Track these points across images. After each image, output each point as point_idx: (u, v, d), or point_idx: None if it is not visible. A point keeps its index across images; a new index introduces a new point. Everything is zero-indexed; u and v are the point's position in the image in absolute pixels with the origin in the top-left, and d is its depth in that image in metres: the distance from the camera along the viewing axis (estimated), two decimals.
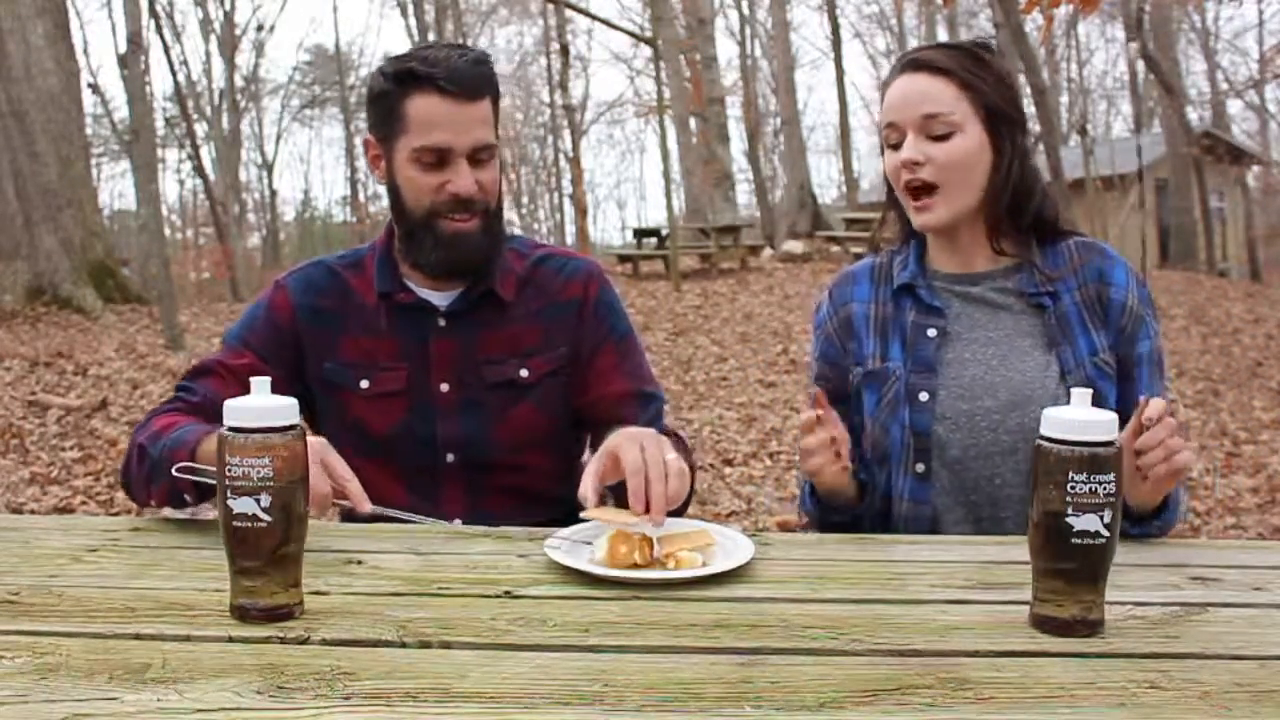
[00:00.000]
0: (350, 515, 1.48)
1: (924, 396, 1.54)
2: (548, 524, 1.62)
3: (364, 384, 1.63)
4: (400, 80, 1.56)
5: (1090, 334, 1.54)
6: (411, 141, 1.55)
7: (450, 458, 1.61)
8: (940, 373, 1.55)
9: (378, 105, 1.60)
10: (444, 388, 1.63)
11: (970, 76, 1.50)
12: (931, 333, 1.56)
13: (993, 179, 1.53)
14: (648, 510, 1.24)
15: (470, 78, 1.55)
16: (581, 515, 1.28)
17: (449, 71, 1.53)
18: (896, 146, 1.53)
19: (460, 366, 1.63)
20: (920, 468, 1.54)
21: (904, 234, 1.65)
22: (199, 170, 19.89)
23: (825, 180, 39.11)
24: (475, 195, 1.57)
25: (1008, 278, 1.57)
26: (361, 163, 28.13)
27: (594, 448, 1.65)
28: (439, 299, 1.65)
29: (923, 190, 1.52)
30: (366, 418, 1.63)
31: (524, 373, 1.64)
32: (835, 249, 14.77)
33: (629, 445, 1.29)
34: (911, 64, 1.53)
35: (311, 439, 1.36)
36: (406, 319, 1.64)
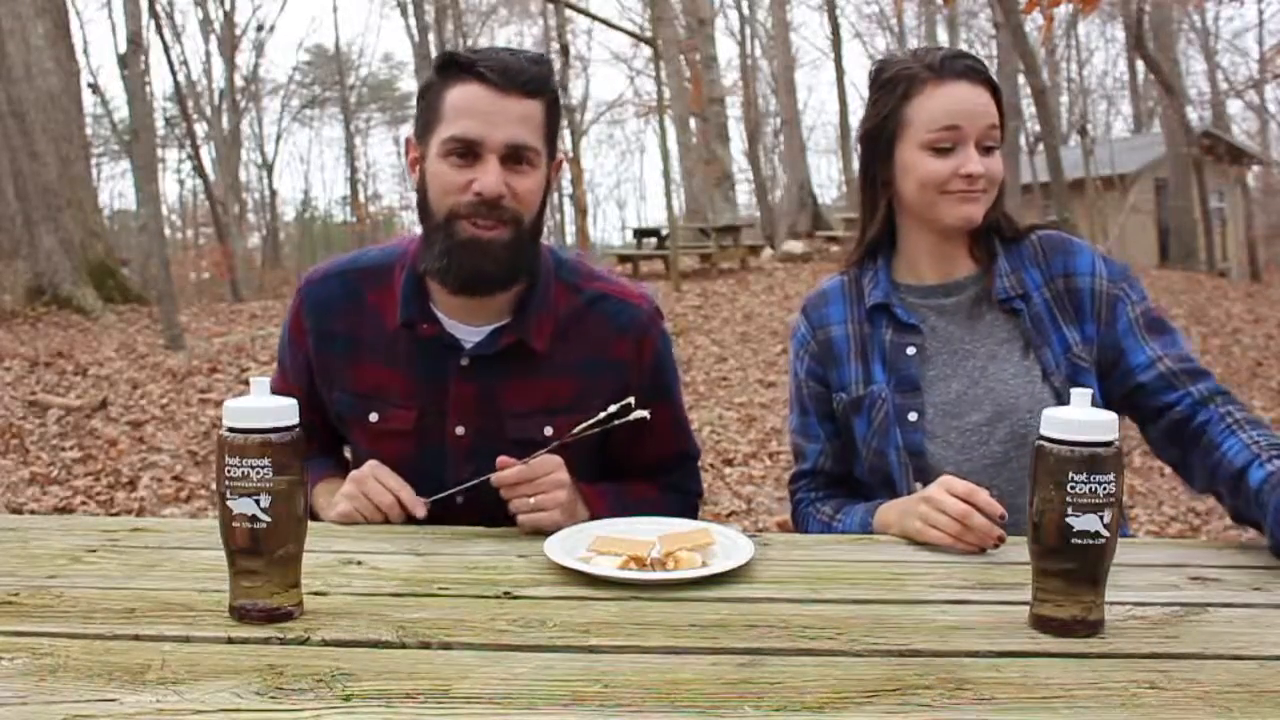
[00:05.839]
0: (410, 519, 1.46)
1: (913, 416, 1.54)
2: None
3: (373, 417, 1.53)
4: (443, 69, 1.45)
5: (1062, 330, 1.53)
6: (443, 132, 1.42)
7: (459, 500, 1.48)
8: (925, 390, 1.55)
9: (421, 103, 1.49)
10: (459, 430, 1.51)
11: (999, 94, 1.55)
12: (911, 350, 1.56)
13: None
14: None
15: (516, 70, 1.41)
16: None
17: (495, 62, 1.41)
18: (947, 150, 1.51)
19: (480, 414, 1.50)
20: (919, 486, 1.53)
21: (868, 251, 1.64)
22: (199, 170, 19.86)
23: (825, 180, 39.17)
24: (502, 197, 1.41)
25: (978, 284, 1.58)
26: (362, 163, 28.05)
27: None
28: (465, 334, 1.51)
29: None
30: (377, 450, 1.53)
31: (548, 430, 1.49)
32: (835, 249, 14.78)
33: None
34: (973, 73, 1.51)
35: (362, 468, 1.47)
36: (427, 354, 1.51)
